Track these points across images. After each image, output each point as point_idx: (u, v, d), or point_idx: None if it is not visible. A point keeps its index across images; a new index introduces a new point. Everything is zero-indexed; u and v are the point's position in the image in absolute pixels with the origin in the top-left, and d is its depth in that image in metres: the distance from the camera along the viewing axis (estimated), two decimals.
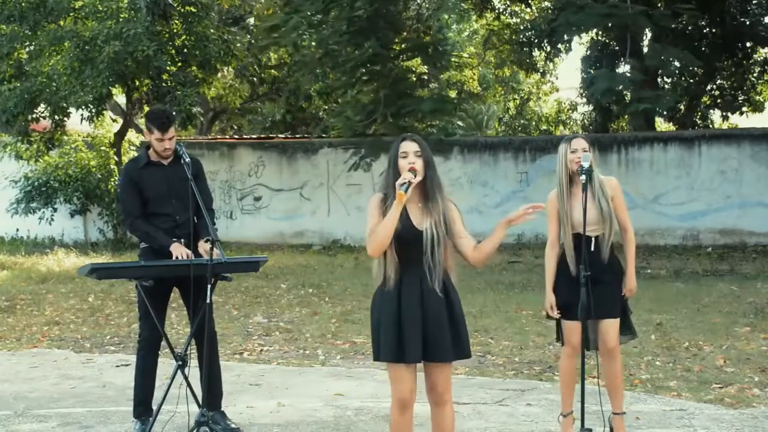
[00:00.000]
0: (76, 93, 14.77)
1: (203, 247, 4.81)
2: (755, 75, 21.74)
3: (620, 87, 13.88)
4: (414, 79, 15.49)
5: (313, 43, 14.72)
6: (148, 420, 4.87)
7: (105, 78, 14.60)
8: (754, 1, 18.77)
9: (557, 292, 4.64)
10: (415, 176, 3.68)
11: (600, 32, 20.74)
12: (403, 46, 15.30)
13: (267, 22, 15.00)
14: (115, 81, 15.48)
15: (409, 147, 3.76)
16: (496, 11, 21.50)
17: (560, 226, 4.63)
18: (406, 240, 3.70)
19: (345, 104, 15.98)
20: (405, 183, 3.63)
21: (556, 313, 4.64)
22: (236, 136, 24.42)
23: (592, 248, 4.55)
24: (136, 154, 16.34)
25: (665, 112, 21.33)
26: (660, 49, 14.01)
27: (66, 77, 14.96)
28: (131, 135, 17.79)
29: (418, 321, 3.69)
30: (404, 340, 3.69)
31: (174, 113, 5.15)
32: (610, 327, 4.62)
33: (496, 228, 3.70)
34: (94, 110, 15.34)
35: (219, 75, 20.40)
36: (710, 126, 22.50)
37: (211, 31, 16.95)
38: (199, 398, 4.66)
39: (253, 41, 20.19)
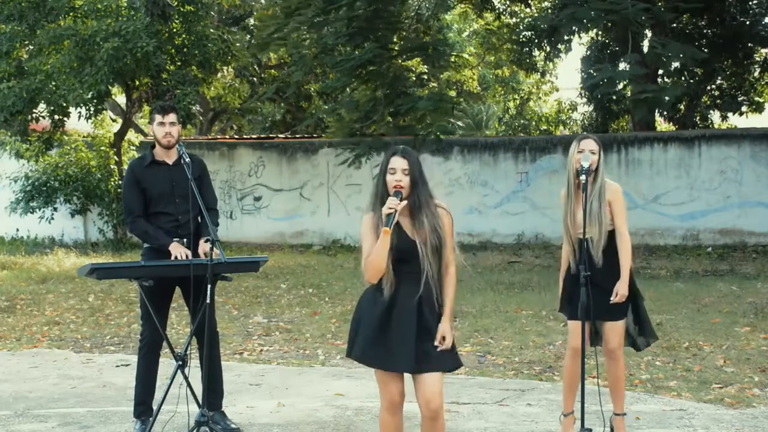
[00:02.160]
0: (74, 91, 14.76)
1: (203, 247, 4.82)
2: (755, 75, 21.71)
3: (622, 81, 13.84)
4: (413, 78, 15.48)
5: (312, 42, 14.71)
6: (148, 420, 4.87)
7: (104, 75, 14.59)
8: (754, 1, 18.76)
9: (564, 291, 4.68)
10: (400, 199, 3.62)
11: (600, 32, 20.72)
12: (402, 45, 15.29)
13: (267, 29, 14.95)
14: (115, 79, 15.47)
15: (397, 163, 3.68)
16: (496, 11, 21.50)
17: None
18: (401, 250, 3.68)
19: (340, 103, 15.96)
20: (391, 213, 3.58)
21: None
22: (236, 136, 24.43)
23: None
24: (136, 154, 16.38)
25: (665, 112, 21.35)
26: (661, 44, 13.97)
27: (65, 75, 14.95)
28: (131, 135, 17.78)
29: (412, 332, 3.67)
30: (393, 348, 3.68)
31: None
32: (612, 330, 4.62)
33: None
34: (92, 108, 15.33)
35: (219, 75, 20.38)
36: (710, 126, 22.48)
37: (211, 30, 16.94)
38: (199, 398, 4.66)
39: (253, 41, 20.18)
